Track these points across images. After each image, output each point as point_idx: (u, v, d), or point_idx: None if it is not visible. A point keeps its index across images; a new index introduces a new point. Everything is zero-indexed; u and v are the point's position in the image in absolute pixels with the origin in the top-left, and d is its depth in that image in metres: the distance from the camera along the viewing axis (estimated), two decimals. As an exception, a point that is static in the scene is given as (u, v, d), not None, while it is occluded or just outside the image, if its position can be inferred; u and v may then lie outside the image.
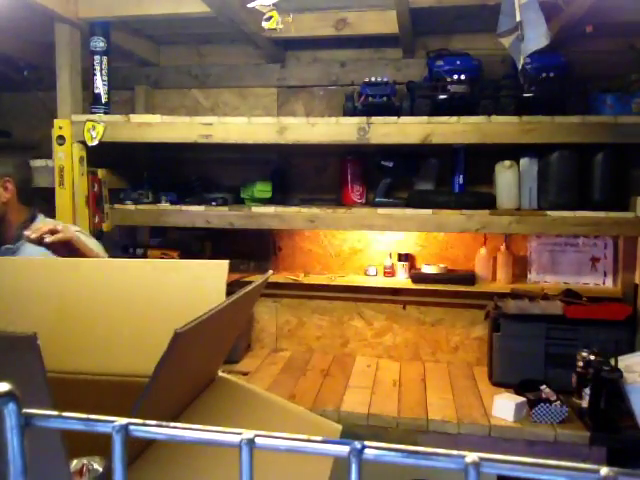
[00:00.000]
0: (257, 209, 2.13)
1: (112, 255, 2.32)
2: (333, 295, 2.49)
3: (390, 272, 2.42)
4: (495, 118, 1.92)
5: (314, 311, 2.54)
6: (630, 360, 1.81)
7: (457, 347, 2.42)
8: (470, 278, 2.29)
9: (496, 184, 2.12)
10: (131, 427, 0.29)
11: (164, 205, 2.22)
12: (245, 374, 2.23)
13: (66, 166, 2.06)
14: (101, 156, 2.15)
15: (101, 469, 0.77)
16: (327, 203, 2.28)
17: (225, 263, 1.03)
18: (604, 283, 2.29)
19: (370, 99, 2.06)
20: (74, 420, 0.30)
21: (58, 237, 1.32)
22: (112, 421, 0.29)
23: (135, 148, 2.56)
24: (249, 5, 1.67)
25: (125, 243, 2.48)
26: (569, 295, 2.11)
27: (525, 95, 1.98)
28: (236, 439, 0.28)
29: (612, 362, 1.75)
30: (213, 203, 2.18)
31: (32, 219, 1.77)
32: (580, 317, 1.98)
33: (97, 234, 2.16)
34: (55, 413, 0.29)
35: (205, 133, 2.04)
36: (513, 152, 2.12)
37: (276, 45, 2.42)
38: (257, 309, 2.56)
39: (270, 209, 2.12)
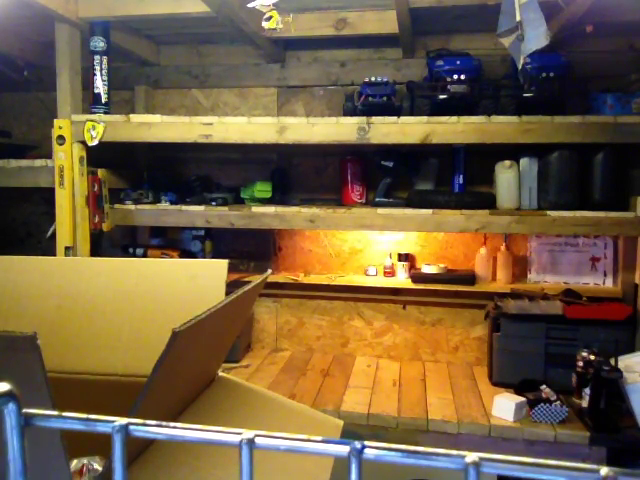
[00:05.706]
0: (257, 209, 2.13)
1: (112, 255, 2.32)
2: (333, 295, 2.49)
3: (390, 272, 2.42)
4: (495, 118, 1.92)
5: (314, 311, 2.54)
6: (630, 360, 1.80)
7: (457, 347, 2.42)
8: (470, 278, 2.29)
9: (496, 184, 2.12)
10: (131, 427, 0.29)
11: (164, 205, 2.22)
12: (246, 367, 2.26)
13: (66, 166, 2.06)
14: (101, 156, 2.15)
15: (101, 469, 0.77)
16: (327, 203, 2.28)
17: (224, 262, 1.03)
18: (604, 283, 2.29)
19: (370, 99, 2.06)
20: (74, 420, 0.30)
21: None
22: (112, 421, 0.29)
23: (135, 148, 2.56)
24: (249, 5, 1.67)
25: (125, 243, 2.48)
26: (569, 295, 2.11)
27: (525, 95, 1.98)
28: (236, 439, 0.28)
29: (612, 362, 1.75)
30: (213, 203, 2.18)
31: None
32: (580, 317, 1.98)
33: (97, 234, 2.16)
34: (55, 413, 0.29)
35: (205, 133, 2.04)
36: (513, 152, 2.12)
37: (276, 45, 2.41)
38: (257, 309, 2.56)
39: (270, 209, 2.12)
